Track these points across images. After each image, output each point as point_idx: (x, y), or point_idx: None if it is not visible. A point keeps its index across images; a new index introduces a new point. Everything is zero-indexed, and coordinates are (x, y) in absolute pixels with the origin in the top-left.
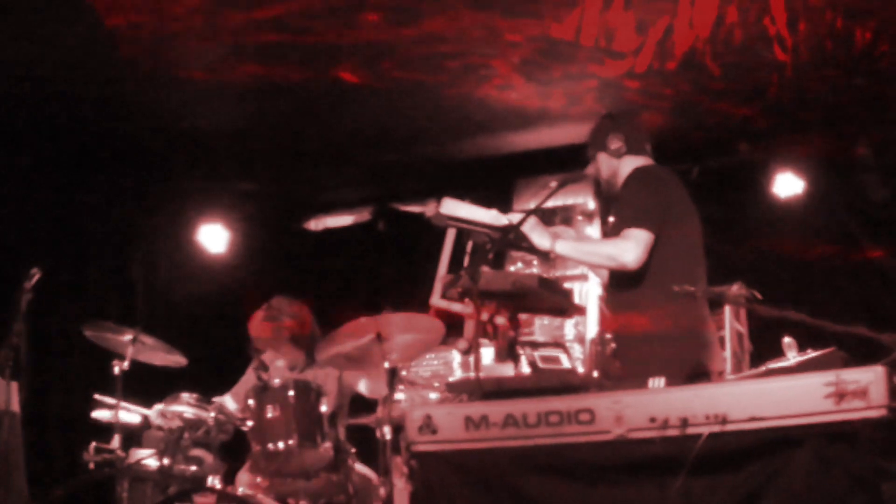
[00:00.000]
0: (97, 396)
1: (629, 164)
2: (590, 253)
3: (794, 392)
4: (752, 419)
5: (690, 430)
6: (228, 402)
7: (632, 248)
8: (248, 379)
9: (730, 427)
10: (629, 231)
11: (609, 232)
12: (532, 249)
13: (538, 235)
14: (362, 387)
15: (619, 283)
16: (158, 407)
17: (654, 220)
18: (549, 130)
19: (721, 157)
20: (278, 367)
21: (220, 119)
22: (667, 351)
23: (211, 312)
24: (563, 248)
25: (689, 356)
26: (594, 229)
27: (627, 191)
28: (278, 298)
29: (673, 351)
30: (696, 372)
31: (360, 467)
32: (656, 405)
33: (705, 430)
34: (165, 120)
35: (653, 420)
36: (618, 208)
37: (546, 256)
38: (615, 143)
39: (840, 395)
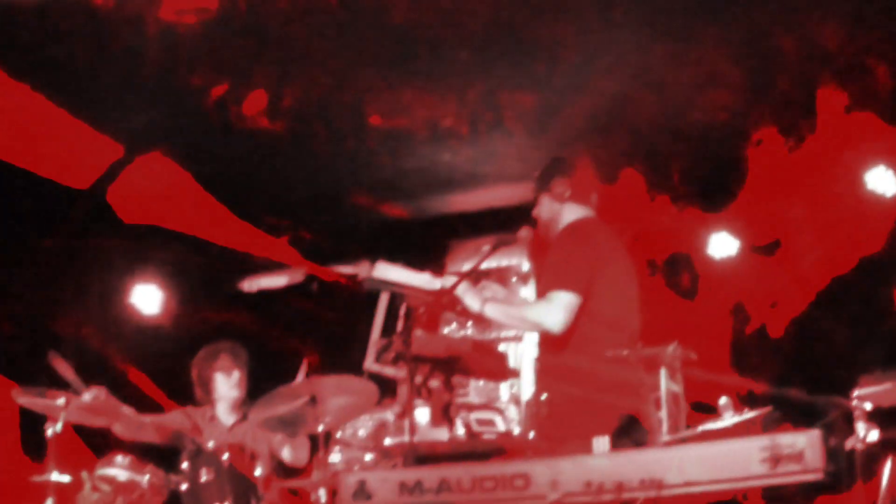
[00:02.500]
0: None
1: (570, 213)
2: (515, 317)
3: (729, 456)
4: (688, 484)
5: (626, 496)
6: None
7: (554, 312)
8: (172, 418)
9: (666, 492)
10: (553, 294)
11: (538, 290)
12: (465, 312)
13: (470, 298)
14: (285, 454)
15: (551, 345)
16: None
17: (580, 281)
18: (484, 192)
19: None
20: (212, 426)
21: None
22: (598, 413)
23: (145, 373)
24: (491, 311)
25: (621, 418)
26: (529, 290)
27: (556, 249)
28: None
29: (604, 413)
30: (629, 433)
31: None
32: (592, 470)
33: (641, 496)
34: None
35: (588, 485)
36: (547, 267)
37: (481, 319)
38: (559, 187)
39: (776, 459)
